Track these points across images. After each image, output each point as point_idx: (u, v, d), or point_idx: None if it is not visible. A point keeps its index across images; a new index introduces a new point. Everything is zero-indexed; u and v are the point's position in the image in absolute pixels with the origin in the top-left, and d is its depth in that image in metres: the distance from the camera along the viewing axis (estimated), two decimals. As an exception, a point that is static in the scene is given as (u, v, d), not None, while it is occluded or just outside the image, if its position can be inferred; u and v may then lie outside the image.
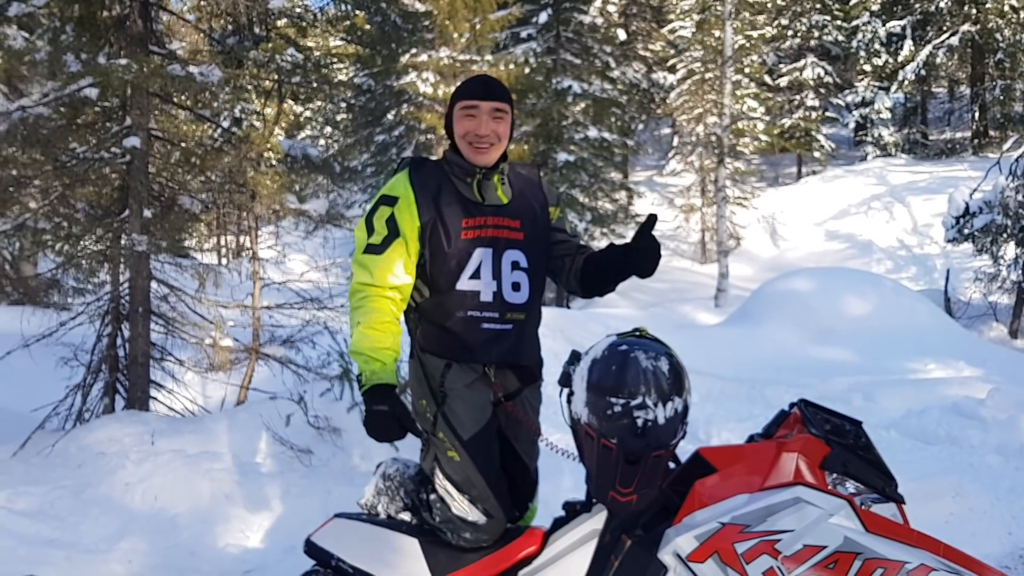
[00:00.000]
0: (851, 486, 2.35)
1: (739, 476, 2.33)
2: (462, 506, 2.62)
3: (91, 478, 4.54)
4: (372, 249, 2.65)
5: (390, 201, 2.68)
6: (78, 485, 4.51)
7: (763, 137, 21.71)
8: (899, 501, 2.38)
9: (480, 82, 2.75)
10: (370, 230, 2.67)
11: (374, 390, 2.52)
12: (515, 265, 2.71)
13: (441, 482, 2.65)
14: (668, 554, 2.26)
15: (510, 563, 2.60)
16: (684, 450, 2.54)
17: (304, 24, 5.81)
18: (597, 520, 2.51)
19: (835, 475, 2.33)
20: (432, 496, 2.68)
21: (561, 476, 4.69)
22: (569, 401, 2.39)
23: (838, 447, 2.35)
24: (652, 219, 2.65)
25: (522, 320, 2.73)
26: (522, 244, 2.73)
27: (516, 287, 2.71)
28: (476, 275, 2.66)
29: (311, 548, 2.75)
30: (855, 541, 2.19)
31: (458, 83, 2.91)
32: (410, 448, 3.72)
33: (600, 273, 2.76)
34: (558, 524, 2.62)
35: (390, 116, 13.97)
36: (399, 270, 2.64)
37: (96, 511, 4.29)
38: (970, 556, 2.30)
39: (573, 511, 2.61)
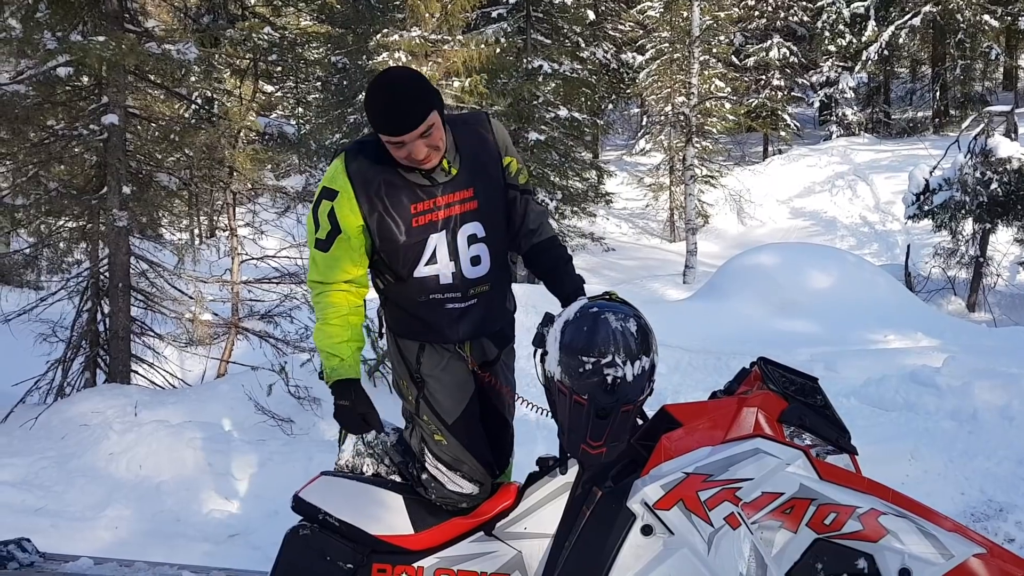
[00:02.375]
0: (807, 438, 2.51)
1: (702, 430, 2.48)
2: (456, 481, 2.73)
3: (75, 449, 4.63)
4: (319, 244, 2.59)
5: (330, 194, 2.55)
6: (62, 456, 4.60)
7: (730, 116, 21.84)
8: (852, 452, 2.55)
9: (396, 117, 2.42)
10: (316, 224, 2.58)
11: (337, 385, 2.61)
12: (472, 239, 2.63)
13: (432, 462, 2.74)
14: (636, 503, 2.40)
15: (487, 516, 2.75)
16: (651, 408, 2.70)
17: (278, 2, 5.84)
18: (569, 474, 2.66)
19: (792, 428, 2.49)
20: (424, 476, 2.76)
21: (534, 444, 4.84)
22: (542, 360, 2.50)
23: (795, 402, 2.51)
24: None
25: (487, 291, 2.70)
26: (477, 213, 2.63)
27: (476, 261, 2.65)
28: (432, 260, 2.59)
29: (299, 504, 2.86)
30: (810, 488, 2.35)
31: (369, 87, 2.50)
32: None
33: (543, 281, 2.78)
34: (532, 479, 2.77)
35: (362, 96, 13.93)
36: (347, 266, 2.60)
37: (81, 480, 4.39)
38: (916, 501, 2.47)
39: (546, 466, 2.76)
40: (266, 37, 5.32)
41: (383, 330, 2.85)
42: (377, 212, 2.54)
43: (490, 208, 2.66)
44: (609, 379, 2.35)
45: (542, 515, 2.68)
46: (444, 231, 2.59)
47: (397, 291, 2.70)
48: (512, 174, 2.73)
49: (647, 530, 2.39)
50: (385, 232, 2.56)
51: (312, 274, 2.65)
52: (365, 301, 2.72)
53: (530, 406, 2.80)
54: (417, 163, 2.49)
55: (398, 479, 2.87)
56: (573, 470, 2.65)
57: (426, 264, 2.60)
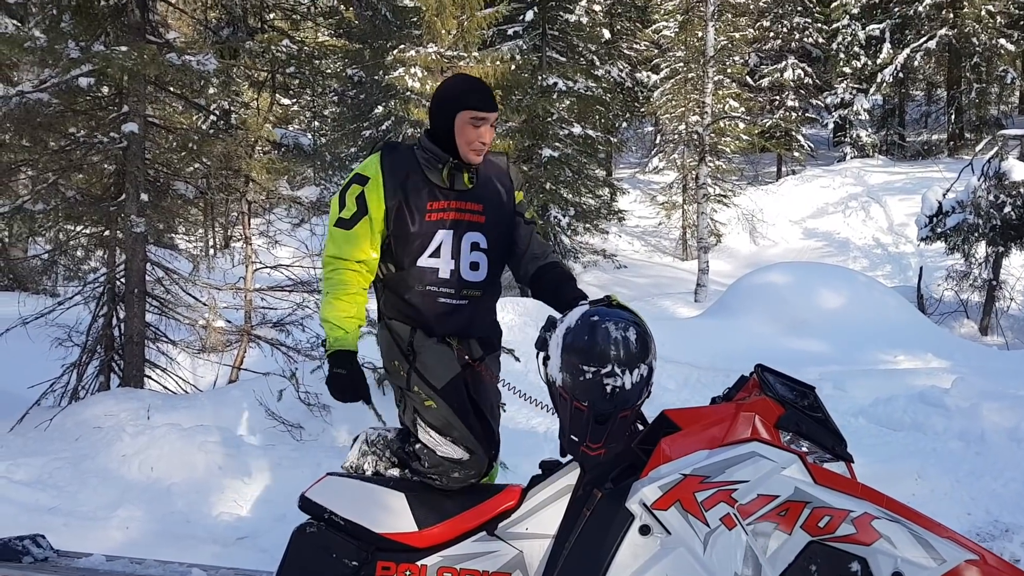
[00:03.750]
0: (804, 445, 2.56)
1: (700, 434, 2.53)
2: (446, 448, 2.83)
3: (88, 450, 4.69)
4: (342, 223, 2.85)
5: (362, 180, 2.87)
6: (76, 457, 4.66)
7: (744, 136, 21.87)
8: (847, 459, 2.59)
9: (489, 95, 2.89)
10: (342, 204, 2.87)
11: (336, 355, 2.82)
12: (475, 246, 2.92)
13: (423, 430, 2.86)
14: (635, 503, 2.45)
15: (490, 516, 2.80)
16: (651, 414, 2.75)
17: (297, 16, 5.95)
18: (571, 476, 2.71)
19: (789, 434, 2.54)
20: (417, 446, 2.89)
21: (541, 453, 4.89)
22: (545, 364, 2.58)
23: (792, 409, 2.55)
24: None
25: (478, 296, 2.95)
26: (483, 227, 2.93)
27: (474, 266, 2.93)
28: (436, 254, 2.87)
29: (305, 503, 2.92)
30: (805, 491, 2.39)
31: (450, 81, 3.02)
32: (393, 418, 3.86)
33: (547, 299, 2.98)
34: (535, 481, 2.82)
35: (378, 110, 14.04)
36: (365, 246, 2.85)
37: (94, 481, 4.45)
38: (910, 508, 2.51)
39: (549, 469, 2.82)
40: (284, 50, 5.45)
41: (379, 318, 3.03)
42: (398, 200, 2.84)
43: (494, 227, 2.96)
44: (608, 388, 2.43)
45: (544, 516, 2.72)
46: (452, 230, 2.89)
47: (396, 280, 2.93)
48: (518, 203, 3.07)
49: (645, 530, 2.44)
50: (400, 220, 2.85)
51: (330, 249, 2.87)
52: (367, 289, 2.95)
53: (518, 393, 2.90)
54: (478, 149, 2.85)
55: (397, 472, 2.95)
56: (574, 472, 2.70)
57: (429, 256, 2.88)
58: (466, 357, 2.96)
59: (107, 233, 5.65)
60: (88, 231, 5.90)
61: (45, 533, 3.55)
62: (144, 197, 5.39)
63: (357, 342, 2.88)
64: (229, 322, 6.35)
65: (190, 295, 5.96)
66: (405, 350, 2.91)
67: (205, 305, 5.90)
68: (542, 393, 2.75)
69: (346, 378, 2.81)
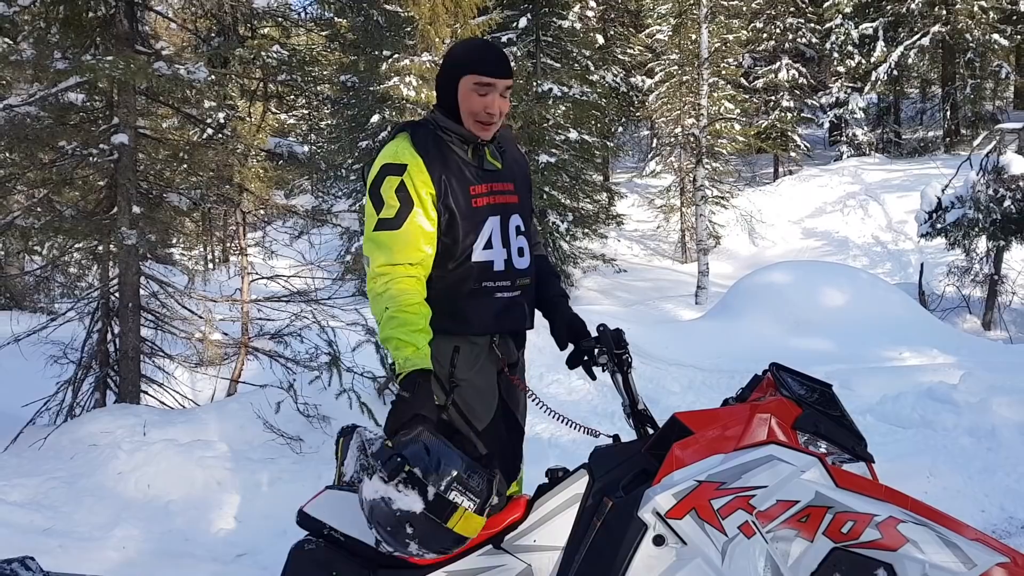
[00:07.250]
0: (823, 445, 2.46)
1: (714, 437, 2.43)
2: None
3: (84, 469, 4.60)
4: (386, 224, 2.47)
5: (397, 169, 2.50)
6: (71, 476, 4.57)
7: (740, 138, 21.86)
8: (868, 460, 2.50)
9: (497, 57, 2.59)
10: (379, 203, 2.49)
11: (408, 376, 2.35)
12: (517, 230, 2.68)
13: None
14: (648, 513, 2.35)
15: (496, 530, 2.68)
16: (662, 417, 2.66)
17: (288, 24, 5.87)
18: (579, 485, 2.60)
19: (807, 435, 2.45)
20: None
21: (547, 460, 4.79)
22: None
23: (809, 408, 2.46)
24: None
25: (528, 285, 2.73)
26: (518, 207, 2.70)
27: (521, 252, 2.69)
28: (489, 245, 2.60)
29: (303, 519, 2.79)
30: (826, 496, 2.29)
31: (456, 46, 2.69)
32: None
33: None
34: (542, 491, 2.71)
35: (374, 119, 13.99)
36: (419, 243, 2.50)
37: (90, 500, 4.36)
38: (936, 509, 2.42)
39: (555, 478, 2.71)
40: (275, 55, 5.36)
41: None
42: (444, 185, 2.53)
43: (526, 205, 2.75)
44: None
45: (552, 527, 2.61)
46: (499, 216, 2.63)
47: (445, 282, 2.61)
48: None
49: (659, 540, 2.34)
50: (448, 208, 2.55)
51: (378, 259, 2.48)
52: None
53: (542, 406, 2.73)
54: (485, 121, 2.55)
55: None
56: (583, 480, 2.60)
57: (483, 248, 2.61)
58: (504, 369, 2.72)
59: (100, 248, 5.56)
60: (81, 245, 5.81)
61: (40, 555, 3.42)
62: (136, 209, 5.31)
63: (430, 359, 2.44)
64: (226, 335, 6.25)
65: (186, 308, 5.86)
66: (444, 378, 2.61)
67: (201, 318, 5.81)
68: (554, 400, 2.63)
69: (407, 404, 2.30)
